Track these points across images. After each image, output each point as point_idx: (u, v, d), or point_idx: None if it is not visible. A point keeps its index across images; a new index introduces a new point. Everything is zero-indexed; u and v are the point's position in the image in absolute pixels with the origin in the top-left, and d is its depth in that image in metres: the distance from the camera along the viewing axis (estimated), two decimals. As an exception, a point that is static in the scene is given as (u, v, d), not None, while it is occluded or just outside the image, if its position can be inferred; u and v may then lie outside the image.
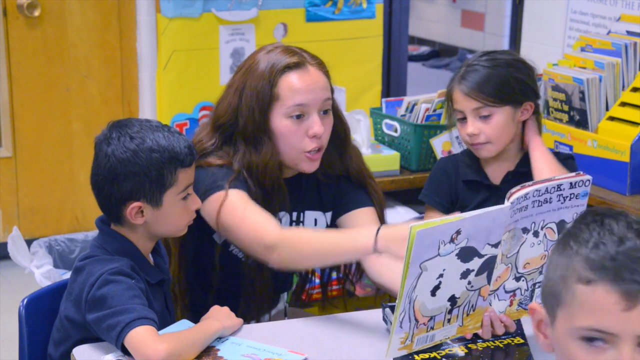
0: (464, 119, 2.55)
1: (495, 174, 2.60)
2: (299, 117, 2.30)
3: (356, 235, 2.09)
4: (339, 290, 2.70)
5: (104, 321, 1.91)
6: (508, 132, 2.54)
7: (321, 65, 2.36)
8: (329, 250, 2.11)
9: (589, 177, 2.01)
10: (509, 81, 2.52)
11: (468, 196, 2.60)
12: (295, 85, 2.29)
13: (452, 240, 1.81)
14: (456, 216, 1.82)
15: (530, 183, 1.96)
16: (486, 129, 2.51)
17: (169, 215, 2.05)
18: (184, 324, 2.02)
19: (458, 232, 1.81)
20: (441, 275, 1.85)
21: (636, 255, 1.28)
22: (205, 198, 2.24)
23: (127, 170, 2.00)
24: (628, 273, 1.26)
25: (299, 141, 2.31)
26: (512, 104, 2.52)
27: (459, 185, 2.62)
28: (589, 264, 1.29)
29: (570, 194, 2.00)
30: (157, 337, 1.86)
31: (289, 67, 2.30)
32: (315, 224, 2.47)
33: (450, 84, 2.58)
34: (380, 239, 2.01)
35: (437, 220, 1.80)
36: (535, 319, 1.41)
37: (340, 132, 2.44)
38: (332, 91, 2.39)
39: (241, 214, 2.22)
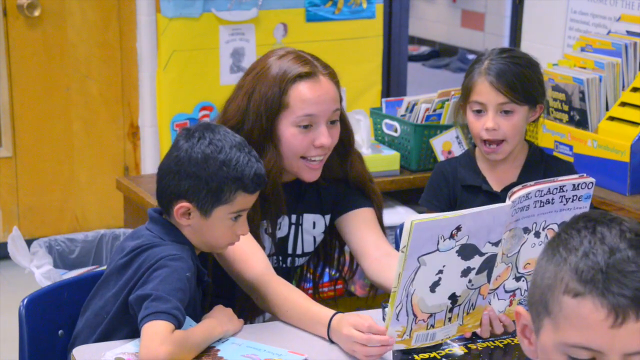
0: (480, 112, 2.52)
1: (496, 180, 2.60)
2: (306, 126, 2.30)
3: (320, 318, 2.06)
4: (339, 290, 2.70)
5: (143, 301, 1.93)
6: (522, 131, 2.55)
7: (332, 75, 2.34)
8: (295, 317, 2.11)
9: (592, 179, 2.01)
10: (533, 81, 2.54)
11: (467, 200, 2.59)
12: (305, 96, 2.28)
13: (452, 236, 1.82)
14: (456, 212, 1.83)
15: (532, 183, 1.96)
16: (505, 125, 2.50)
17: (214, 230, 2.07)
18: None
19: (458, 229, 1.82)
20: (441, 272, 1.85)
21: (627, 269, 1.20)
22: None
23: (191, 171, 2.03)
24: (617, 287, 1.19)
25: (304, 150, 2.31)
26: (531, 104, 2.53)
27: (457, 189, 2.62)
28: (577, 275, 1.22)
29: (573, 196, 2.00)
30: (168, 336, 1.87)
31: (300, 77, 2.29)
32: (314, 227, 2.47)
33: (472, 76, 2.54)
34: (331, 333, 2.02)
35: (437, 215, 1.81)
36: (520, 323, 1.35)
37: (344, 139, 2.43)
38: (341, 99, 2.39)
39: None
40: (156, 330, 1.88)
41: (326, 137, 2.30)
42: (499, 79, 2.49)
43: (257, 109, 2.30)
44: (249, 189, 2.05)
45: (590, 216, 1.29)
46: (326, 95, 2.30)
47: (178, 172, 2.04)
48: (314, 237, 2.48)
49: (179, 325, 1.92)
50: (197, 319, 2.05)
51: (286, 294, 2.14)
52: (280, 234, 2.43)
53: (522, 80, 2.50)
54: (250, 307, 2.28)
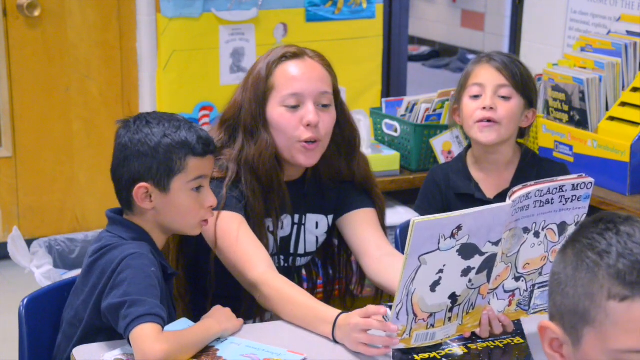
0: (477, 97, 2.55)
1: (488, 187, 2.60)
2: (294, 107, 2.30)
3: (325, 316, 2.05)
4: (340, 290, 2.70)
5: (118, 310, 1.92)
6: (515, 124, 2.57)
7: (321, 59, 2.36)
8: (299, 316, 2.10)
9: (591, 179, 2.01)
10: (531, 80, 2.60)
11: (459, 209, 2.59)
12: (289, 74, 2.30)
13: (452, 236, 1.82)
14: (457, 211, 1.83)
15: (532, 183, 1.96)
16: (502, 107, 2.53)
17: (178, 205, 2.06)
18: (184, 323, 2.02)
19: (459, 228, 1.82)
20: (441, 271, 1.86)
21: None
22: None
23: (137, 150, 2.04)
24: None
25: (293, 130, 2.30)
26: (527, 100, 2.56)
27: (450, 196, 2.62)
28: (619, 278, 1.19)
29: (572, 196, 2.00)
30: (159, 336, 1.87)
31: (285, 57, 2.32)
32: (317, 227, 2.47)
33: (472, 65, 2.60)
34: (337, 332, 2.01)
35: (438, 215, 1.81)
36: (547, 337, 1.29)
37: (351, 139, 2.43)
38: (338, 92, 2.39)
39: (234, 241, 2.23)
40: (145, 333, 1.87)
41: (314, 115, 2.29)
42: (501, 64, 2.56)
43: (249, 96, 2.33)
44: (197, 152, 2.05)
45: (606, 218, 1.27)
46: (311, 73, 2.31)
47: (126, 158, 2.05)
48: (317, 237, 2.48)
49: (163, 322, 1.91)
50: (170, 314, 2.04)
51: (290, 292, 2.14)
52: (283, 233, 2.43)
53: (522, 72, 2.57)
54: (256, 306, 2.28)
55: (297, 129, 2.30)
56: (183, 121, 2.08)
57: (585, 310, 1.22)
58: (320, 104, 2.32)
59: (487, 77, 2.54)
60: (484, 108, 2.52)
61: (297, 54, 2.33)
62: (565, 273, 1.25)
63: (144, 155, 2.03)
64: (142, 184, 2.04)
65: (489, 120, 2.53)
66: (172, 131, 2.04)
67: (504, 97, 2.54)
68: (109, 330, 1.99)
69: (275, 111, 2.31)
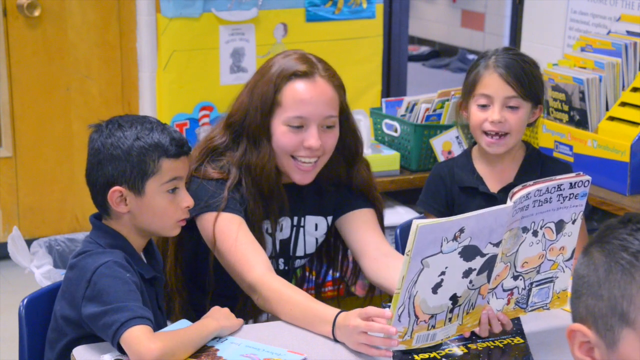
0: (485, 107, 2.53)
1: (493, 181, 2.60)
2: (298, 127, 2.30)
3: (325, 316, 2.05)
4: (340, 289, 2.70)
5: (100, 319, 1.91)
6: (523, 128, 2.56)
7: (332, 78, 2.33)
8: (299, 317, 2.10)
9: (588, 177, 2.02)
10: (538, 79, 2.58)
11: (464, 202, 2.59)
12: (298, 96, 2.28)
13: (455, 238, 1.82)
14: (460, 215, 1.83)
15: (531, 182, 1.96)
16: (511, 118, 2.51)
17: (154, 207, 2.04)
18: (183, 324, 2.02)
19: (461, 230, 1.82)
20: (443, 273, 1.85)
21: None
22: (200, 214, 2.25)
23: (109, 154, 2.03)
24: None
25: (293, 148, 2.31)
26: (534, 102, 2.55)
27: (454, 191, 2.62)
28: None
29: (570, 194, 2.00)
30: (152, 335, 1.86)
31: (296, 75, 2.29)
32: (316, 229, 2.47)
33: (478, 70, 2.55)
34: (336, 331, 2.01)
35: (441, 219, 1.81)
36: (576, 341, 1.26)
37: (352, 147, 2.43)
38: (345, 107, 2.37)
39: (232, 242, 2.23)
40: (136, 335, 1.86)
41: (315, 140, 2.29)
42: (508, 71, 2.52)
43: (255, 104, 2.32)
44: (170, 153, 2.04)
45: (634, 218, 1.25)
46: (320, 97, 2.29)
47: (99, 162, 2.04)
48: (316, 239, 2.48)
49: (151, 322, 1.90)
50: (157, 319, 2.03)
51: (288, 293, 2.14)
52: (282, 236, 2.43)
53: (528, 76, 2.54)
54: (253, 306, 2.28)
55: (297, 148, 2.30)
56: (156, 123, 2.07)
57: (624, 311, 1.20)
58: (324, 126, 2.32)
59: (494, 88, 2.51)
60: (493, 121, 2.51)
61: (307, 74, 2.30)
62: (597, 275, 1.24)
63: (117, 159, 2.02)
64: (116, 187, 2.03)
65: (497, 133, 2.52)
66: (144, 133, 2.03)
67: (512, 107, 2.52)
68: (89, 338, 1.99)
69: (279, 129, 2.30)
